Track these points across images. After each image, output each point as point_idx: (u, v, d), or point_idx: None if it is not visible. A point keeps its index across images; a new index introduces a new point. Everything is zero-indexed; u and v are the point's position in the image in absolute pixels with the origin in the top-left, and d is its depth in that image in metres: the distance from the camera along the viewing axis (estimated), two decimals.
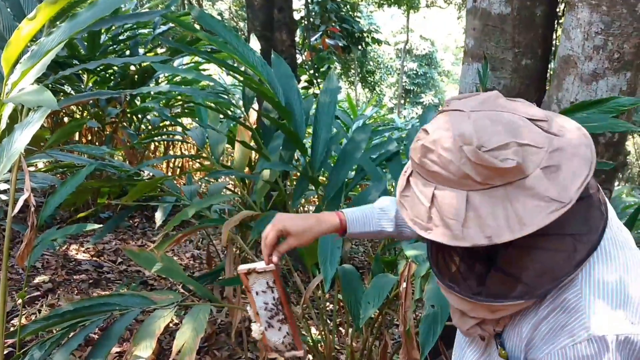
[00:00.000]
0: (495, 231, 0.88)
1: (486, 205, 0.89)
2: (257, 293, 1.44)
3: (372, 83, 20.50)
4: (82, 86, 4.82)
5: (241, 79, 2.58)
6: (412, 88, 28.51)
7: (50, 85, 3.21)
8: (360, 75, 18.71)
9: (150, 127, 5.72)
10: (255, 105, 3.39)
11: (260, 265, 1.39)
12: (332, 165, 2.98)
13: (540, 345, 0.99)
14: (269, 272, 1.39)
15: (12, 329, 2.79)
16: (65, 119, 5.52)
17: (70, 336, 2.19)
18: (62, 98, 3.92)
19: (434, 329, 2.13)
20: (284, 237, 1.36)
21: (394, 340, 3.30)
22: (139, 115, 5.69)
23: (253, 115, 3.51)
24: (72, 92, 4.81)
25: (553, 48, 2.78)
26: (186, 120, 6.89)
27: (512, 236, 0.87)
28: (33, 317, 3.24)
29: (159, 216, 3.47)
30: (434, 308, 2.16)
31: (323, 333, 2.97)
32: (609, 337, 0.90)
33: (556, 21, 2.78)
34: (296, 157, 4.39)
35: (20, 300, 2.52)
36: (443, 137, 0.91)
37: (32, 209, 1.92)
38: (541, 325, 0.99)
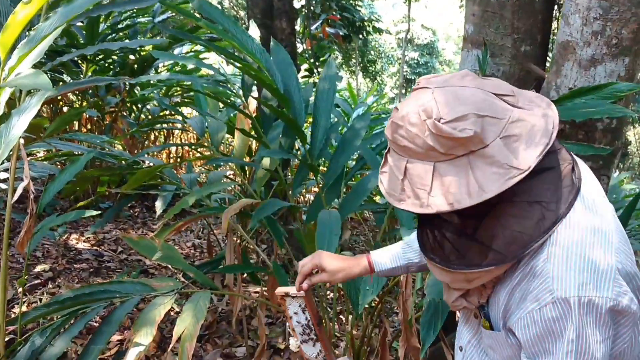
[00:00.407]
0: (457, 198, 0.93)
1: (451, 174, 0.94)
2: (292, 313, 1.63)
3: (373, 72, 20.44)
4: (81, 76, 4.82)
5: (240, 66, 2.58)
6: (413, 77, 28.37)
7: (48, 73, 3.21)
8: (361, 64, 18.66)
9: (150, 116, 5.72)
10: (255, 94, 3.39)
11: (293, 290, 1.57)
12: (331, 153, 2.99)
13: (515, 311, 1.04)
14: (301, 297, 1.57)
15: (13, 316, 2.81)
16: (65, 109, 5.52)
17: (71, 323, 2.21)
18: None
19: (434, 322, 2.14)
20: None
21: (394, 328, 3.31)
22: (139, 105, 5.70)
23: (253, 104, 3.51)
24: (71, 81, 4.80)
25: (552, 35, 2.78)
26: (186, 111, 6.90)
27: (472, 202, 0.92)
28: (34, 305, 3.26)
29: (159, 205, 3.48)
30: (435, 301, 2.17)
31: (323, 321, 2.99)
32: (572, 300, 0.93)
33: (555, 7, 2.77)
34: (297, 147, 4.40)
35: (20, 288, 2.54)
36: (409, 113, 0.98)
37: (32, 196, 1.93)
38: (515, 291, 1.04)
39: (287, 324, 1.71)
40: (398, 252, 1.53)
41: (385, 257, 1.53)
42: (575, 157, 1.14)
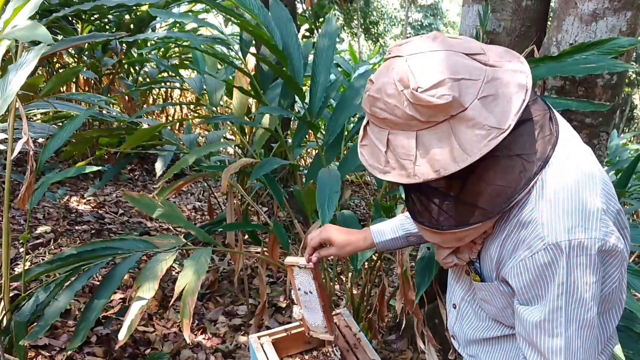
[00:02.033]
0: (442, 165, 0.96)
1: (434, 142, 0.96)
2: (298, 283, 1.71)
3: (376, 35, 20.19)
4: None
5: (238, 22, 2.58)
6: None
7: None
8: (363, 26, 18.44)
9: (148, 79, 5.71)
10: (253, 50, 3.39)
11: (302, 261, 1.64)
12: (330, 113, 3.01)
13: (507, 261, 1.08)
14: (309, 269, 1.64)
15: (16, 273, 2.87)
16: (61, 71, 5.51)
17: (73, 279, 2.26)
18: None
19: (428, 270, 2.21)
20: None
21: (393, 288, 3.38)
22: (136, 67, 5.68)
23: (251, 62, 3.52)
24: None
25: None
26: (184, 73, 6.88)
27: (458, 167, 0.95)
28: (37, 263, 3.32)
29: (159, 166, 3.51)
30: (430, 250, 2.23)
31: (324, 281, 3.05)
32: (562, 244, 0.98)
33: None
34: (297, 110, 4.41)
35: (22, 248, 2.58)
36: (385, 85, 0.99)
37: (31, 152, 1.95)
38: (506, 243, 1.08)
39: (293, 292, 1.77)
40: (396, 224, 1.57)
41: (385, 229, 1.57)
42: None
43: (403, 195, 1.19)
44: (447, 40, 1.02)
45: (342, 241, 1.53)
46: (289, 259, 1.68)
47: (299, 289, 1.72)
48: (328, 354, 1.98)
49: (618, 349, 1.81)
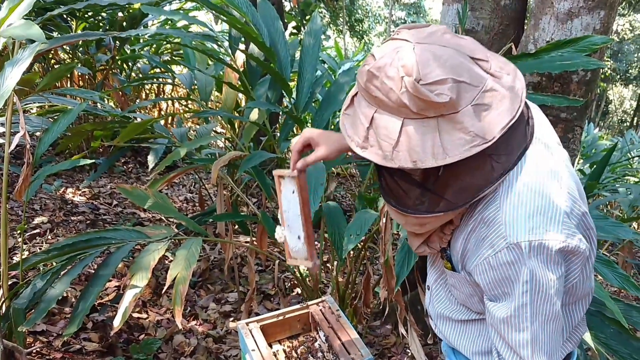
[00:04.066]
0: (420, 157, 0.95)
1: (418, 134, 0.95)
2: (283, 196, 1.50)
3: (361, 32, 20.17)
4: (71, 33, 4.77)
5: (227, 20, 2.58)
6: None
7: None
8: (348, 23, 18.43)
9: (140, 75, 5.68)
10: (242, 47, 3.39)
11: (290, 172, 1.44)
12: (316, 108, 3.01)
13: (471, 256, 1.09)
14: (294, 178, 1.43)
15: (14, 262, 2.86)
16: (56, 67, 5.47)
17: (70, 267, 2.26)
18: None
19: (408, 259, 2.23)
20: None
21: (378, 276, 3.40)
22: (129, 63, 5.66)
23: (240, 58, 3.51)
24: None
25: None
26: (175, 69, 6.85)
27: (434, 164, 0.95)
28: (34, 253, 3.31)
29: (151, 159, 3.50)
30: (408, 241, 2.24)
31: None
32: (523, 244, 0.98)
33: None
34: (284, 105, 4.41)
35: (20, 238, 2.57)
36: (388, 66, 0.96)
37: (28, 145, 1.94)
38: (470, 238, 1.09)
39: (279, 211, 1.58)
40: None
41: None
42: (530, 103, 1.17)
43: (377, 173, 1.16)
44: (455, 37, 1.01)
45: (324, 136, 1.38)
46: (277, 171, 1.50)
47: (283, 203, 1.53)
48: (314, 338, 2.00)
49: (587, 337, 1.85)
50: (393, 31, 1.06)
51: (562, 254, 1.00)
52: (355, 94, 1.06)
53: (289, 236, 1.56)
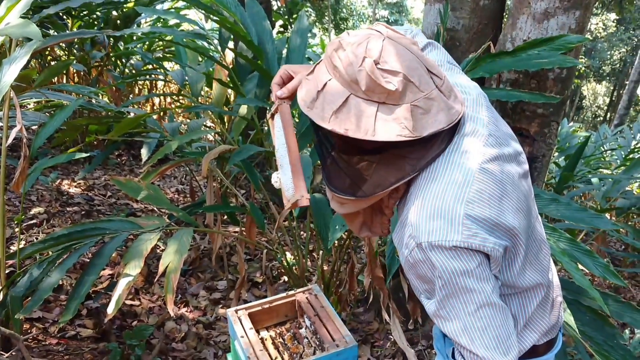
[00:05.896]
0: (352, 128, 0.99)
1: (358, 109, 0.99)
2: (275, 132, 1.36)
3: (345, 30, 20.15)
4: (67, 31, 4.73)
5: (217, 19, 2.57)
6: None
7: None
8: (333, 22, 18.40)
9: (134, 71, 5.65)
10: (231, 45, 3.38)
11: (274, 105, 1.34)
12: None
13: (400, 254, 1.13)
14: (277, 109, 1.32)
15: (11, 252, 2.84)
16: (53, 64, 5.43)
17: (65, 257, 2.25)
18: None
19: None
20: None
21: (361, 265, 3.42)
22: (123, 60, 5.62)
23: (229, 56, 3.50)
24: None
25: None
26: (167, 66, 6.81)
27: (361, 137, 0.98)
28: (31, 242, 3.30)
29: (144, 152, 3.49)
30: None
31: (297, 258, 3.07)
32: (424, 244, 1.01)
33: None
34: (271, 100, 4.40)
35: (17, 228, 2.56)
36: (356, 44, 1.01)
37: (24, 139, 1.94)
38: (395, 236, 1.14)
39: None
40: None
41: None
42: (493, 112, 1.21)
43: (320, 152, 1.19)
44: (421, 52, 1.05)
45: (302, 67, 1.30)
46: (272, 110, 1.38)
47: (276, 147, 1.37)
48: (300, 325, 2.01)
49: (571, 320, 1.84)
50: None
51: (467, 251, 1.00)
52: (319, 63, 1.11)
53: (283, 178, 1.36)
